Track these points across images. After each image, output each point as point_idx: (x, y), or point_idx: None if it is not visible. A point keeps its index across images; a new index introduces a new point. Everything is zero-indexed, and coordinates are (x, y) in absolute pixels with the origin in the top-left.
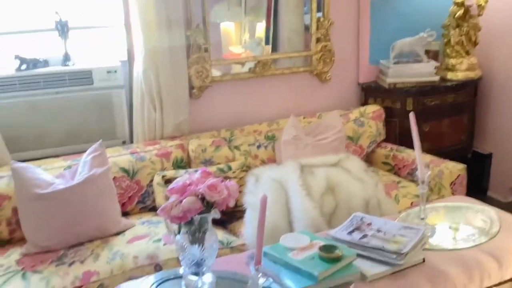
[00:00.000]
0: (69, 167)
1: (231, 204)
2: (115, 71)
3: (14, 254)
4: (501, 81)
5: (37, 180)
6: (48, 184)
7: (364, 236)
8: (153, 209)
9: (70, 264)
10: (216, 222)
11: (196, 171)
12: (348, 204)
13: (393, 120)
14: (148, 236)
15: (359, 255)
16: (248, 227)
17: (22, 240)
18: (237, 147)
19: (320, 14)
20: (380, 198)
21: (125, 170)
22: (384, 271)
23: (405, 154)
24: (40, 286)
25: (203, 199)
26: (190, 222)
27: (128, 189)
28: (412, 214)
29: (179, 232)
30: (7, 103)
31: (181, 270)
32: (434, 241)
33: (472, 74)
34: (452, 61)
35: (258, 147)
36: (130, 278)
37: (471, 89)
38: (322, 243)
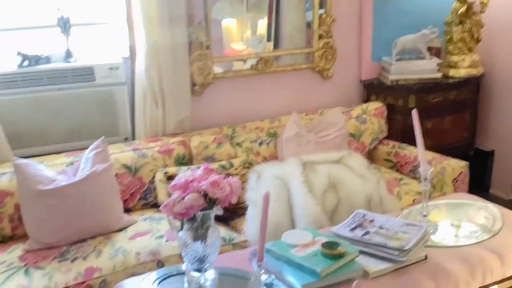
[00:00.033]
0: (71, 163)
1: (234, 200)
2: (117, 68)
3: (16, 250)
4: (504, 79)
5: (39, 177)
6: (51, 180)
7: (367, 233)
8: (155, 205)
9: (73, 260)
10: (218, 219)
11: (198, 167)
12: (350, 201)
13: (395, 117)
14: (150, 232)
15: (361, 252)
16: (250, 224)
17: (24, 237)
18: (239, 144)
19: (322, 11)
20: (382, 195)
21: (127, 167)
22: (386, 268)
23: (407, 151)
24: (43, 282)
25: (205, 195)
26: (192, 219)
27: (130, 186)
28: (414, 211)
29: (181, 229)
30: (9, 99)
31: (183, 267)
32: (436, 238)
33: (474, 71)
34: (455, 58)
35: (260, 144)
36: (133, 274)
37: (473, 86)
38: (324, 239)
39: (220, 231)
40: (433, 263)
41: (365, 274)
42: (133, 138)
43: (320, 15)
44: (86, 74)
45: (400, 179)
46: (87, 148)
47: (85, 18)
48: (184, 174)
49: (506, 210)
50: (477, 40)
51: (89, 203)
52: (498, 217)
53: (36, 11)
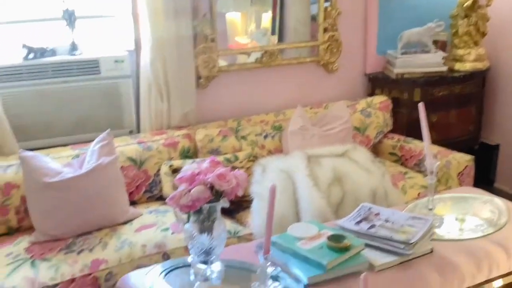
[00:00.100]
0: (77, 156)
1: (240, 193)
2: (122, 61)
3: (23, 242)
4: (509, 72)
5: (45, 169)
6: (56, 173)
7: (372, 226)
8: (160, 198)
9: (79, 252)
10: (223, 212)
11: (203, 160)
12: (355, 194)
13: (400, 111)
14: (155, 225)
15: (367, 245)
16: (255, 217)
17: (30, 229)
18: (244, 137)
19: (327, 4)
20: (387, 188)
21: (132, 160)
22: (392, 261)
23: (412, 145)
24: (49, 273)
25: (212, 188)
26: (199, 211)
27: (135, 178)
28: (420, 204)
29: (188, 221)
30: (14, 92)
31: (189, 259)
32: (442, 231)
33: (480, 65)
34: (460, 51)
35: (265, 137)
36: (138, 267)
37: (479, 80)
38: (330, 232)
39: (226, 224)
40: (439, 257)
41: (371, 267)
42: (138, 131)
43: (326, 8)
44: (91, 67)
45: (405, 173)
46: (92, 140)
47: (90, 11)
48: (190, 166)
49: (511, 204)
50: (483, 34)
51: (95, 195)
52: (504, 211)
53: (42, 4)
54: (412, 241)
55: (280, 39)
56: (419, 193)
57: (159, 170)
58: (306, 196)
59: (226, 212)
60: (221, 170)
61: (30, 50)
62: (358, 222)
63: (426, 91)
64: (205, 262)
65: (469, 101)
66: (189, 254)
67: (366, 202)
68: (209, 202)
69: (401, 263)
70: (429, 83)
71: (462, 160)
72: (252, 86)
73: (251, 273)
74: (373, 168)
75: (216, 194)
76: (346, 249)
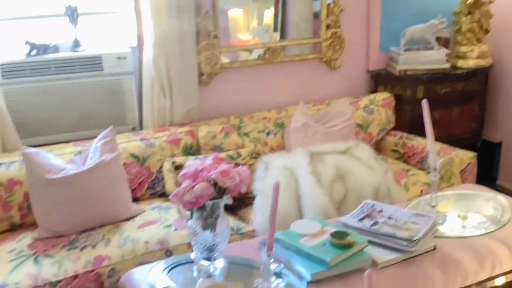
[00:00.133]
0: (80, 152)
1: (243, 190)
2: (125, 57)
3: (26, 238)
4: None
5: (48, 166)
6: (59, 169)
7: (375, 223)
8: (163, 195)
9: (82, 249)
10: (225, 209)
11: (205, 157)
12: (357, 191)
13: (403, 108)
14: (158, 221)
15: (370, 242)
16: (258, 213)
17: (33, 225)
18: (246, 134)
19: (330, 0)
20: (390, 185)
21: (135, 156)
22: (395, 258)
23: (415, 142)
24: (53, 270)
25: (215, 184)
26: (202, 208)
27: (138, 175)
28: (422, 201)
29: (191, 218)
30: (17, 88)
31: (193, 255)
32: (445, 228)
33: (483, 62)
34: (463, 48)
35: (268, 134)
36: (141, 263)
37: (482, 77)
38: (333, 229)
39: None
40: (442, 254)
41: (374, 264)
42: (141, 127)
43: (328, 5)
44: (94, 63)
45: (408, 170)
46: (94, 137)
47: (93, 7)
48: (193, 162)
49: None
50: (486, 31)
51: (97, 192)
52: (507, 208)
53: (44, 0)
54: (415, 238)
55: (282, 36)
56: (421, 190)
57: (161, 166)
58: (308, 193)
59: (229, 209)
60: (225, 166)
61: (33, 46)
62: (361, 219)
63: (429, 88)
64: (208, 259)
65: (471, 98)
66: (192, 251)
67: (369, 199)
68: (213, 198)
69: (404, 260)
70: (432, 80)
71: (465, 157)
72: (255, 83)
73: (254, 269)
74: (375, 165)
75: (220, 190)
76: (349, 246)
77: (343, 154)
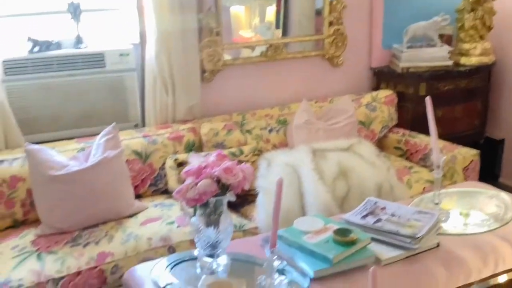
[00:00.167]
0: (83, 149)
1: (246, 187)
2: (128, 54)
3: (29, 235)
4: None
5: (51, 162)
6: (62, 166)
7: (378, 220)
8: (166, 192)
9: (85, 245)
10: (228, 206)
11: (207, 154)
12: (360, 188)
13: (405, 105)
14: (161, 218)
15: (373, 239)
16: (260, 211)
17: (36, 221)
18: (249, 131)
19: None
20: (393, 183)
21: (137, 153)
22: (398, 255)
23: (418, 139)
24: (56, 266)
25: (218, 181)
26: (205, 205)
27: (140, 172)
28: (425, 199)
29: (194, 215)
30: (19, 85)
31: (196, 252)
32: (448, 226)
33: (486, 59)
34: (466, 45)
35: (270, 131)
36: (144, 260)
37: (484, 74)
38: (336, 226)
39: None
40: (445, 251)
41: (377, 261)
42: (143, 124)
43: (331, 2)
44: (96, 60)
45: (410, 167)
46: (97, 134)
47: (95, 4)
48: (197, 157)
49: None
50: (489, 28)
51: (100, 188)
52: (510, 206)
53: None
54: (418, 235)
55: (284, 33)
56: (424, 188)
57: (164, 163)
58: (311, 190)
59: (231, 206)
60: (228, 163)
61: (35, 43)
62: (364, 216)
63: (432, 85)
64: (211, 256)
65: (474, 96)
66: (195, 248)
67: (371, 196)
68: (216, 195)
69: (407, 257)
70: (434, 77)
71: (468, 154)
72: (257, 80)
73: (257, 266)
74: (378, 163)
75: (223, 187)
76: (352, 243)
77: (345, 151)
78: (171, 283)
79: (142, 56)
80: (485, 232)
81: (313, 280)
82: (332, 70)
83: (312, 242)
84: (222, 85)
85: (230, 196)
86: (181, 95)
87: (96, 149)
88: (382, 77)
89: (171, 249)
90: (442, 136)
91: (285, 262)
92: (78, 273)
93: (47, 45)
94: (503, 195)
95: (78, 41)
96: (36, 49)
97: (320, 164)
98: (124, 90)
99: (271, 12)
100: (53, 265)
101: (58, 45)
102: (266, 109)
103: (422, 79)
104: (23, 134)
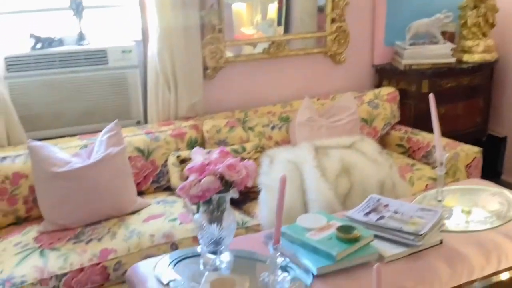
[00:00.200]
0: (85, 146)
1: (250, 184)
2: (130, 51)
3: (31, 231)
4: None
5: (54, 159)
6: (65, 162)
7: (381, 217)
8: (168, 189)
9: (88, 242)
10: (230, 203)
11: (209, 151)
12: (362, 186)
13: (408, 102)
14: (163, 215)
15: (376, 236)
16: (263, 208)
17: (39, 218)
18: (251, 128)
19: None
20: (395, 180)
21: (140, 150)
22: (401, 252)
23: (420, 136)
24: (58, 263)
25: (221, 178)
26: (208, 202)
27: (143, 169)
28: (428, 196)
29: (197, 211)
30: (22, 82)
31: (199, 249)
32: (451, 223)
33: (488, 57)
34: (469, 43)
35: (272, 128)
36: (147, 256)
37: (487, 72)
38: (339, 223)
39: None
40: (448, 248)
41: (380, 258)
42: (146, 121)
43: None
44: (99, 57)
45: (412, 165)
46: (99, 131)
47: (97, 1)
48: (200, 152)
49: None
50: (492, 25)
51: (103, 185)
52: None
53: None
54: (421, 233)
55: (286, 30)
56: (426, 185)
57: (166, 160)
58: (313, 187)
59: (234, 203)
60: (231, 160)
61: (38, 40)
62: (367, 213)
63: (434, 83)
64: (214, 252)
65: (477, 93)
66: (197, 244)
67: (374, 193)
68: (219, 192)
69: (410, 254)
70: (437, 74)
71: (470, 152)
72: (259, 77)
73: (260, 263)
74: (380, 160)
75: (226, 184)
76: (355, 240)
77: (348, 149)
78: (174, 280)
79: (144, 53)
80: (487, 229)
81: (316, 277)
82: (334, 67)
83: (315, 239)
84: (224, 82)
85: (233, 193)
86: (183, 92)
87: (98, 146)
88: (384, 74)
89: (174, 246)
90: (444, 133)
91: (288, 259)
92: (81, 269)
93: (49, 42)
94: (506, 192)
95: (81, 37)
96: (39, 45)
97: (323, 161)
98: (127, 87)
99: (273, 9)
100: (56, 261)
101: (61, 42)
102: (268, 106)
103: (425, 76)
104: (26, 131)
